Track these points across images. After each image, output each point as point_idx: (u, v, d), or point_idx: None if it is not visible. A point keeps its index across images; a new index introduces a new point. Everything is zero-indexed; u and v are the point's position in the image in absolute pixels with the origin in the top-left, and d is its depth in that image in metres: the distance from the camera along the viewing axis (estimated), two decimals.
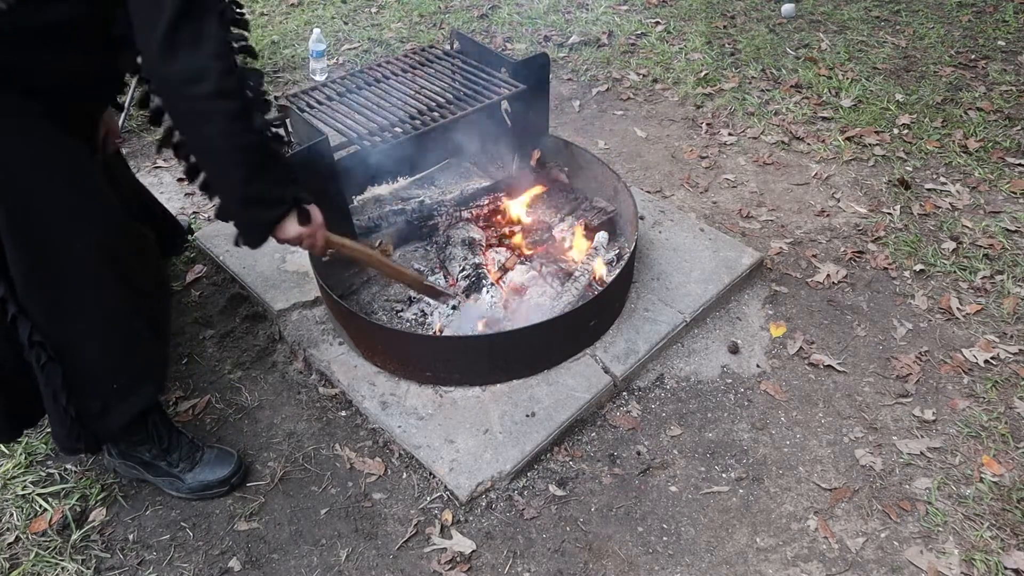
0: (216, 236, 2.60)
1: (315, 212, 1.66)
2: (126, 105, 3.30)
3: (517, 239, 2.39)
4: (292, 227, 1.62)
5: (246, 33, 1.47)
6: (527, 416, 1.98)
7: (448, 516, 1.83)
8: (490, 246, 2.36)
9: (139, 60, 1.38)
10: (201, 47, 1.31)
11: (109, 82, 1.66)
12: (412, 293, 2.26)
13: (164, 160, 3.14)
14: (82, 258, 1.51)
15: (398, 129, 2.03)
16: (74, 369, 1.57)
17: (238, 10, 1.43)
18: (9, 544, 1.78)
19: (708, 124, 3.36)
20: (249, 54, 1.51)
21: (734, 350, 2.26)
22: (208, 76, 1.33)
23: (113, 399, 1.64)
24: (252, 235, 1.60)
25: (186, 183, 3.00)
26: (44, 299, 1.50)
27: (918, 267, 2.55)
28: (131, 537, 1.81)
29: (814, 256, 2.61)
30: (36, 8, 1.32)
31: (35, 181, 1.42)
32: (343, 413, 2.09)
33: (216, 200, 1.58)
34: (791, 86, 3.59)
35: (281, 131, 1.63)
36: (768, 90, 3.58)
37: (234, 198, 1.53)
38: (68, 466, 1.95)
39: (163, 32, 1.27)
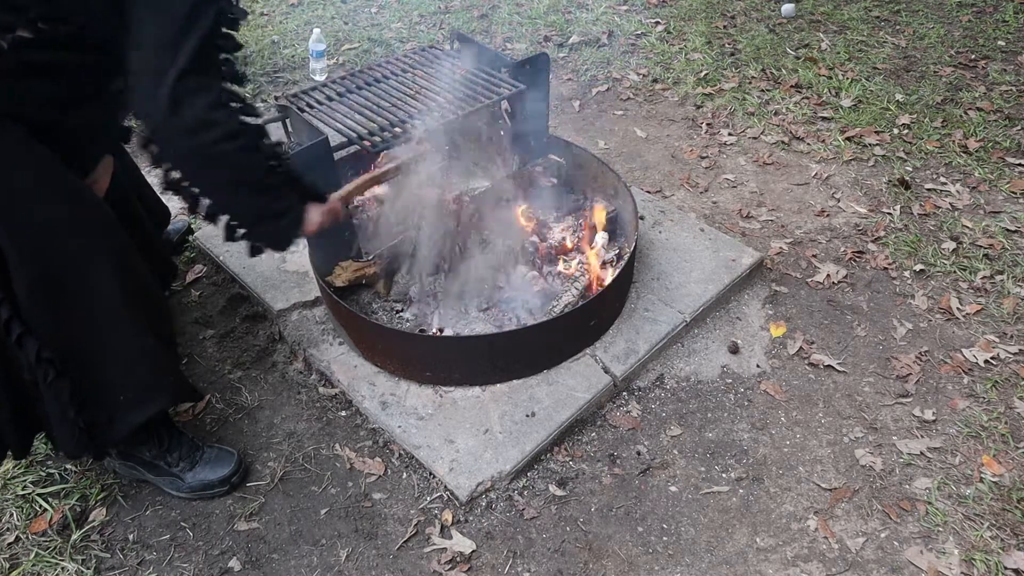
0: (216, 236, 2.59)
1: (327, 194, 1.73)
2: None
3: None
4: (314, 217, 1.67)
5: (240, 89, 1.50)
6: (527, 416, 1.98)
7: (448, 516, 1.83)
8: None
9: (134, 106, 1.40)
10: (207, 97, 1.36)
11: (109, 120, 1.70)
12: (412, 293, 2.26)
13: None
14: (87, 274, 1.52)
15: (398, 129, 2.03)
16: (82, 383, 1.57)
17: (235, 54, 1.47)
18: (9, 544, 1.78)
19: (708, 124, 3.36)
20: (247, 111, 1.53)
21: (734, 350, 2.26)
22: (216, 124, 1.38)
23: (120, 410, 1.65)
24: (276, 245, 1.66)
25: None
26: (50, 316, 1.51)
27: (918, 267, 2.55)
28: (131, 537, 1.81)
29: (814, 256, 2.61)
30: (37, 49, 1.35)
31: (37, 200, 1.44)
32: (343, 413, 2.09)
33: (222, 223, 1.60)
34: (791, 86, 3.59)
35: (283, 147, 1.68)
36: (768, 90, 3.58)
37: (248, 220, 1.58)
38: (68, 466, 1.95)
39: (171, 84, 1.30)
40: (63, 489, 1.90)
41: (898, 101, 3.45)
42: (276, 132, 2.22)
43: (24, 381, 1.56)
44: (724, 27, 4.20)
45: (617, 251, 2.37)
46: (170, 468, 1.85)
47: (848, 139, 3.21)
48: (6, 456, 1.67)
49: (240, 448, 1.97)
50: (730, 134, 3.28)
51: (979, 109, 3.37)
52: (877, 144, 3.18)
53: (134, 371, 1.65)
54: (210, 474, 1.87)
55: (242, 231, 1.62)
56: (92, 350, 1.58)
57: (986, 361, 2.21)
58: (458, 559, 1.75)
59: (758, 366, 2.22)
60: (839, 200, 2.89)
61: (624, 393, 2.14)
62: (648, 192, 2.87)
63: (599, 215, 2.37)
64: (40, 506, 1.86)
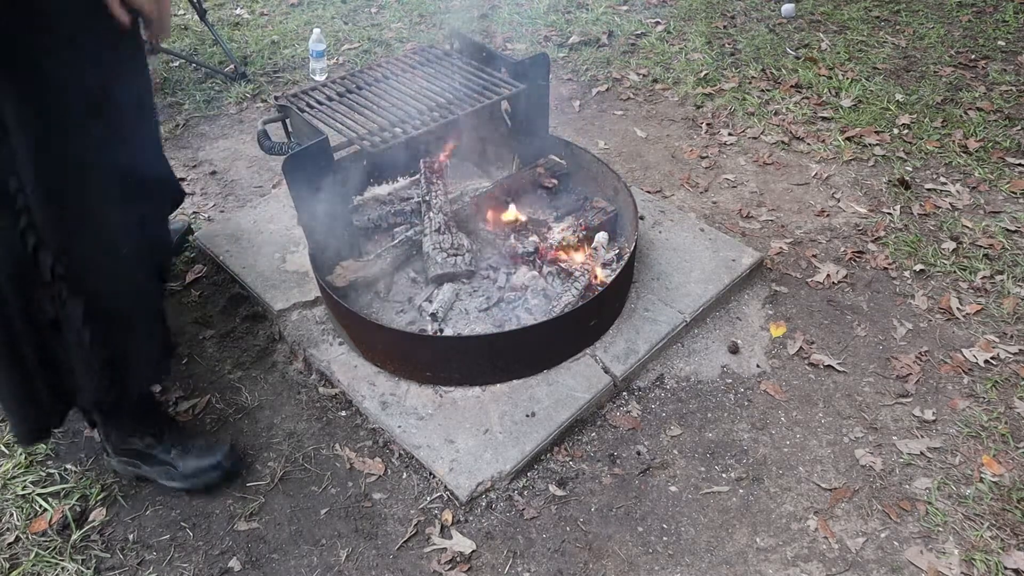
0: (216, 236, 2.60)
1: None
2: None
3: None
4: None
5: None
6: (527, 416, 1.99)
7: (448, 516, 1.83)
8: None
9: None
10: None
11: None
12: (416, 298, 2.25)
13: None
14: (103, 192, 1.53)
15: (398, 129, 2.03)
16: (96, 310, 1.59)
17: None
18: (9, 544, 1.78)
19: (708, 124, 3.36)
20: None
21: (734, 350, 2.26)
22: None
23: (134, 351, 1.68)
24: None
25: (186, 184, 3.01)
26: (64, 229, 1.51)
27: (918, 267, 2.55)
28: (131, 537, 1.81)
29: (814, 256, 2.61)
30: None
31: (59, 110, 1.43)
32: (343, 413, 2.09)
33: None
34: (791, 86, 3.59)
35: None
36: (768, 90, 3.58)
37: None
38: (68, 466, 1.95)
39: None
40: (63, 489, 1.90)
41: (898, 101, 3.45)
42: (277, 132, 2.23)
43: (44, 351, 1.58)
44: (724, 27, 4.20)
45: (617, 251, 2.37)
46: (164, 456, 1.86)
47: (848, 139, 3.22)
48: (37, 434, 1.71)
49: (240, 448, 1.97)
50: (730, 134, 3.28)
51: (979, 109, 3.37)
52: (877, 144, 3.18)
53: (146, 311, 1.69)
54: (202, 460, 1.88)
55: None
56: (106, 278, 1.59)
57: (986, 361, 2.21)
58: (458, 559, 1.75)
59: (758, 366, 2.22)
60: (839, 200, 2.89)
61: (624, 393, 2.14)
62: (648, 192, 2.87)
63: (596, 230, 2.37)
64: (40, 506, 1.86)
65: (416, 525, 1.82)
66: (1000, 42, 3.96)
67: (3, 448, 1.98)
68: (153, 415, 1.86)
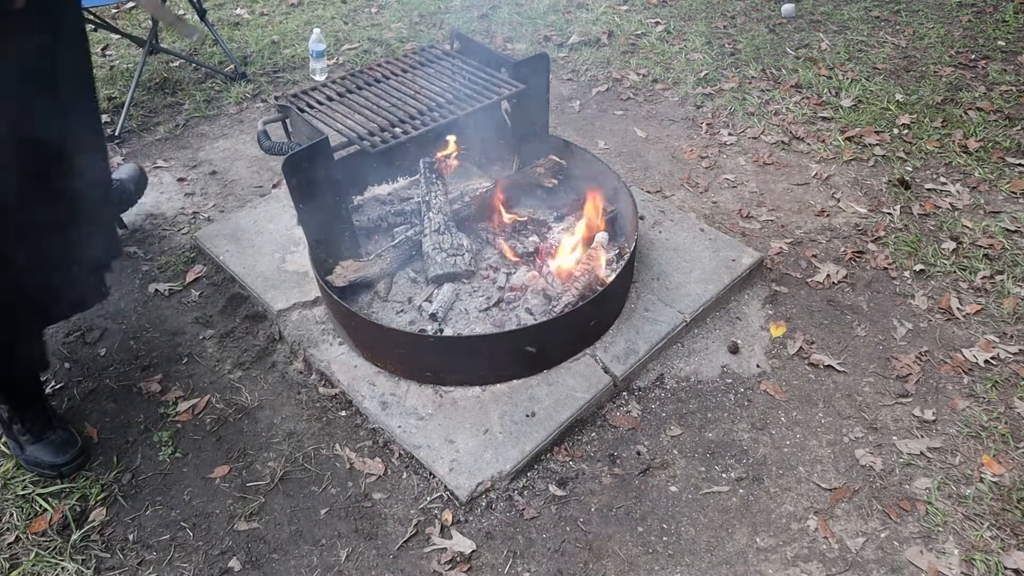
0: (216, 236, 2.60)
1: None
2: (127, 104, 3.31)
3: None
4: None
5: None
6: (527, 416, 1.99)
7: (448, 516, 1.83)
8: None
9: None
10: None
11: None
12: (416, 298, 2.25)
13: (164, 160, 3.14)
14: None
15: (398, 129, 2.03)
16: None
17: None
18: (9, 544, 1.78)
19: (708, 124, 3.36)
20: None
21: (734, 350, 2.26)
22: None
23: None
24: None
25: (186, 184, 3.01)
26: None
27: (918, 267, 2.55)
28: (131, 537, 1.81)
29: (814, 256, 2.61)
30: None
31: None
32: (343, 413, 2.09)
33: None
34: (791, 86, 3.59)
35: None
36: (768, 90, 3.58)
37: None
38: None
39: None
40: (63, 489, 1.90)
41: (898, 101, 3.45)
42: (276, 132, 2.23)
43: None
44: (724, 27, 4.20)
45: (617, 251, 2.37)
46: (17, 434, 1.90)
47: (848, 139, 3.21)
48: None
49: (240, 448, 1.97)
50: (730, 134, 3.28)
51: (979, 109, 3.37)
52: (877, 144, 3.18)
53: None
54: (46, 456, 1.90)
55: None
56: None
57: (986, 361, 2.21)
58: (458, 559, 1.75)
59: (758, 366, 2.22)
60: (839, 200, 2.89)
61: (624, 393, 2.14)
62: (648, 192, 2.87)
63: (590, 209, 2.35)
64: (40, 506, 1.86)
65: (416, 525, 1.82)
66: (1000, 42, 3.96)
67: (3, 448, 1.98)
68: (17, 393, 1.89)
